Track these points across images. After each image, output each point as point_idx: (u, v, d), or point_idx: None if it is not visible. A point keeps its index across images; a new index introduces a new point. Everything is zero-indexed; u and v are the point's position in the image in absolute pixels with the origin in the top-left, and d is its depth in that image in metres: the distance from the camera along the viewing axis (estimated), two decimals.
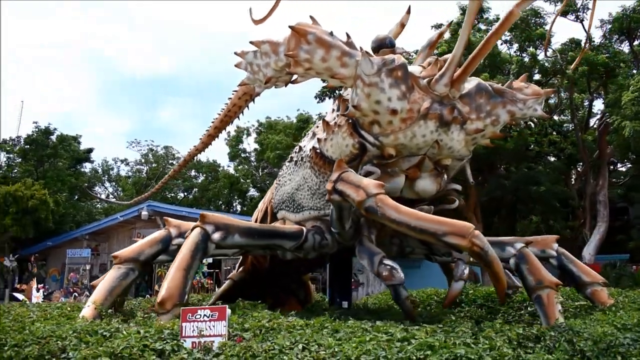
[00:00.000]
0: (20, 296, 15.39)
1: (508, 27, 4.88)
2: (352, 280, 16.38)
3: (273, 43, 5.38)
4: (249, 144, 36.47)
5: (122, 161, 40.16)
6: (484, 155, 17.34)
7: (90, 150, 36.13)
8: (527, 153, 16.89)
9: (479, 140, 5.80)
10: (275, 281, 8.30)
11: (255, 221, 8.01)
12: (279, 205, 6.86)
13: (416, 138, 5.28)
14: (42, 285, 17.70)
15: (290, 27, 5.01)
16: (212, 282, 17.90)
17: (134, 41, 66.38)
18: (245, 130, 35.68)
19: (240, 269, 8.54)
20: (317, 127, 6.44)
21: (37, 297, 14.74)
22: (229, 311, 3.48)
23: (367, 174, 5.49)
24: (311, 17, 5.29)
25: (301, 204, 6.36)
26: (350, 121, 5.47)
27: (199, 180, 39.18)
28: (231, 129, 39.99)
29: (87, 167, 37.55)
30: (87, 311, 4.52)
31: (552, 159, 18.55)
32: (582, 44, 15.46)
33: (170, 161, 39.21)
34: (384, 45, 5.86)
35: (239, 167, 37.12)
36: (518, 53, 17.31)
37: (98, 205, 32.81)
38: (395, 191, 5.66)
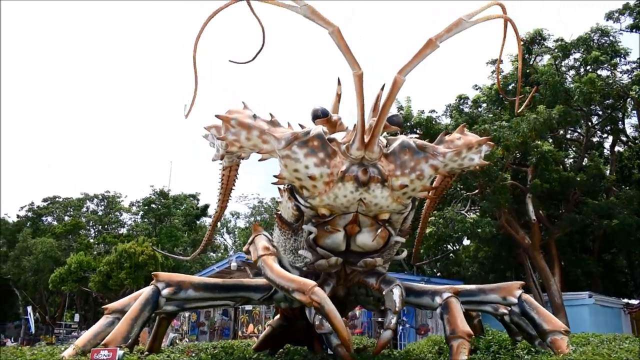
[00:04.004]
0: None
1: (396, 95, 5.38)
2: (421, 326, 16.31)
3: (217, 127, 6.45)
4: None
5: (234, 215, 44.06)
6: (556, 188, 16.40)
7: (206, 207, 40.43)
8: (603, 183, 15.58)
9: (412, 194, 6.15)
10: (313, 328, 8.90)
11: None
12: None
13: (339, 198, 5.89)
14: None
15: (216, 116, 6.07)
16: None
17: None
18: None
19: (277, 316, 9.41)
20: None
21: None
22: (120, 352, 4.50)
23: (309, 233, 6.21)
24: (243, 102, 6.30)
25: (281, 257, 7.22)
26: (288, 186, 6.29)
27: None
28: None
29: (206, 221, 41.98)
30: (68, 351, 5.77)
31: None
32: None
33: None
34: (317, 115, 6.64)
35: None
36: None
37: (212, 254, 36.22)
38: (336, 246, 6.25)
